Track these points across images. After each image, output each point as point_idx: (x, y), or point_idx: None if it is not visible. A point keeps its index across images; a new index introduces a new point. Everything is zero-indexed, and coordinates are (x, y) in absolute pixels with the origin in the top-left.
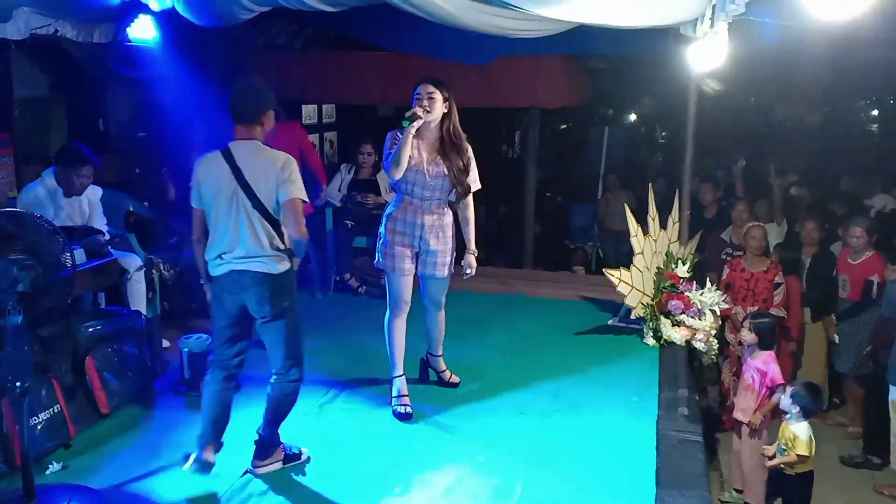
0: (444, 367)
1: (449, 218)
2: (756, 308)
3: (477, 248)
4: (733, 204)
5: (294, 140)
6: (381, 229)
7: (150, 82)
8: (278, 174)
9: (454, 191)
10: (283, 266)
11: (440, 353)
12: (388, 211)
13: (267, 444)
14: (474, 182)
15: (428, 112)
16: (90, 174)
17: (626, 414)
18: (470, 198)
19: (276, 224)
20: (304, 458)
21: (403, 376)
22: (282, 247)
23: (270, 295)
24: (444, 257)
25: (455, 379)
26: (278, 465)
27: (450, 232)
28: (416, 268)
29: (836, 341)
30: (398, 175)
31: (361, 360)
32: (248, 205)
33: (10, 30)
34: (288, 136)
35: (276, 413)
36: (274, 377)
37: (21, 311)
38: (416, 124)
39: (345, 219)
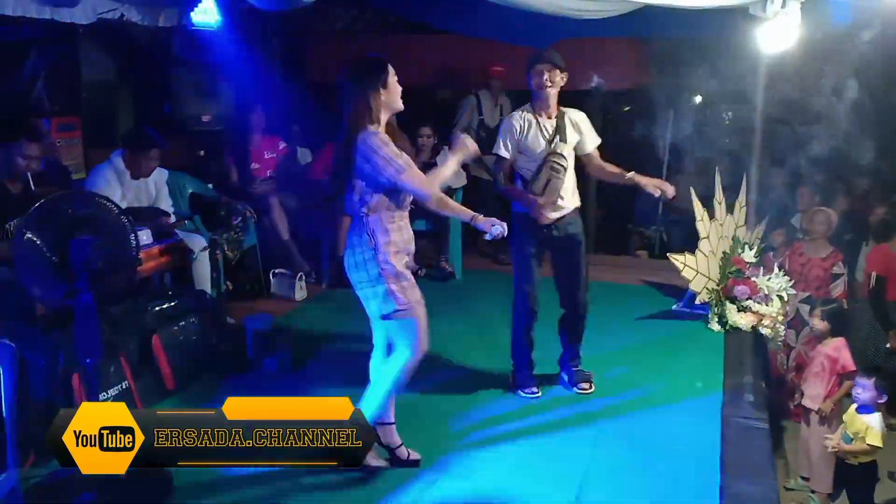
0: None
1: None
2: (808, 294)
3: None
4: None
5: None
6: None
7: (214, 67)
8: None
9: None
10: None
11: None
12: None
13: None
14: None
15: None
16: (157, 157)
17: (691, 400)
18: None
19: None
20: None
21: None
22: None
23: None
24: None
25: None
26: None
27: None
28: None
29: None
30: None
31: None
32: None
33: (78, 14)
34: None
35: None
36: None
37: (91, 290)
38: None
39: None
